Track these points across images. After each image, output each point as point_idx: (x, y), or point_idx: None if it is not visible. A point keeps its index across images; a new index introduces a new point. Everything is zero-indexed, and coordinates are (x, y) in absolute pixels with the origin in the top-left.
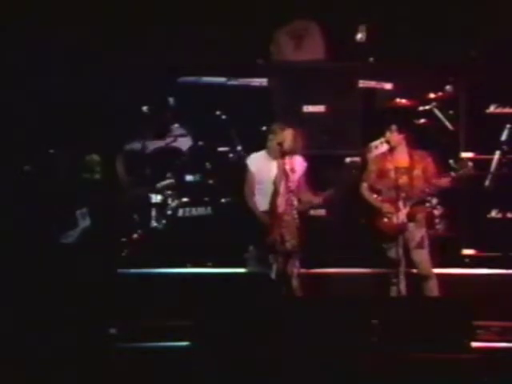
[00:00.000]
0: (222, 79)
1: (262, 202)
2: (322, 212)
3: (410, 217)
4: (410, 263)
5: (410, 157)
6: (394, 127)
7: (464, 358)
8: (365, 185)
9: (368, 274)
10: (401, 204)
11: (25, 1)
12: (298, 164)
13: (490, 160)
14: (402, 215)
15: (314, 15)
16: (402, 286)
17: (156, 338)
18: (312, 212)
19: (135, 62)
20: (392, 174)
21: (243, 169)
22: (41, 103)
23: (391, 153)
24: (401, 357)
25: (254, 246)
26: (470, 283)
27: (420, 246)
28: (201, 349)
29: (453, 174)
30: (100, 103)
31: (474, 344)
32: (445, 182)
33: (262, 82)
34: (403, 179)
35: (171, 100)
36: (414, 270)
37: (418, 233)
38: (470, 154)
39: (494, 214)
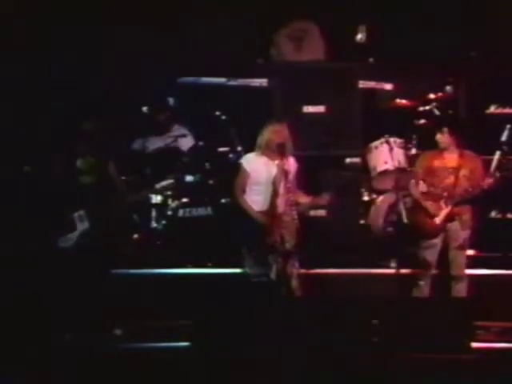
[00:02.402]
0: (221, 79)
1: (260, 203)
2: (321, 212)
3: (452, 216)
4: (440, 265)
5: (460, 157)
6: (445, 129)
7: (464, 358)
8: (413, 181)
9: (368, 275)
10: (443, 203)
11: None
12: (291, 165)
13: (490, 161)
14: (443, 215)
15: (314, 16)
16: (427, 289)
17: (156, 339)
18: (312, 212)
19: (135, 61)
20: (439, 173)
21: None
22: (39, 103)
23: (441, 152)
24: (401, 357)
25: (253, 246)
26: (470, 284)
27: (462, 247)
28: (201, 349)
29: (497, 175)
30: (99, 104)
31: (474, 344)
32: (488, 182)
33: (262, 82)
34: (450, 179)
35: (171, 100)
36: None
37: (462, 234)
38: None
39: (493, 214)
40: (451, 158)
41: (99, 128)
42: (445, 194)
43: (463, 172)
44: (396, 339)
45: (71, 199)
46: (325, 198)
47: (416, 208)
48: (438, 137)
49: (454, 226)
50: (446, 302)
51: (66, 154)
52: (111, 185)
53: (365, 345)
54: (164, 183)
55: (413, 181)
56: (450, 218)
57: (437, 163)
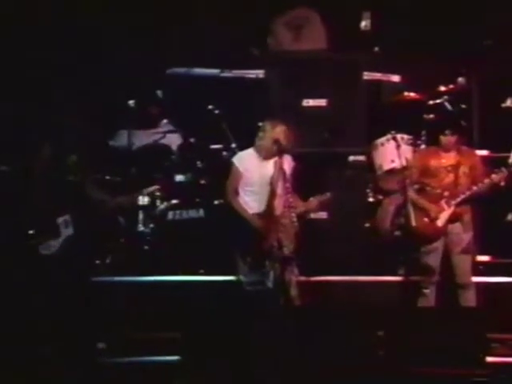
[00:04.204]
0: (214, 71)
1: (252, 205)
2: (323, 215)
3: (454, 218)
4: (444, 271)
5: (458, 154)
6: (448, 132)
7: (478, 373)
8: (408, 182)
9: (373, 283)
10: (444, 204)
11: None
12: (287, 163)
13: (506, 158)
14: (445, 216)
15: (314, 2)
16: (432, 298)
17: (143, 352)
18: (312, 215)
19: (121, 51)
20: (437, 173)
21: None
22: (16, 99)
23: (437, 150)
24: (408, 372)
25: (248, 251)
26: (484, 292)
27: (466, 251)
28: (191, 364)
29: (504, 170)
30: (81, 97)
31: (489, 359)
32: (497, 178)
33: (258, 73)
34: (449, 178)
35: (159, 93)
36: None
37: (465, 236)
38: (484, 152)
39: (510, 217)
40: (449, 156)
41: (81, 123)
42: (446, 193)
43: (463, 169)
44: (403, 353)
45: (56, 201)
46: (323, 199)
47: (414, 210)
48: (442, 140)
49: (456, 228)
50: (457, 312)
51: (52, 152)
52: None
53: (370, 359)
54: (150, 189)
55: (408, 181)
56: (452, 219)
57: (434, 162)
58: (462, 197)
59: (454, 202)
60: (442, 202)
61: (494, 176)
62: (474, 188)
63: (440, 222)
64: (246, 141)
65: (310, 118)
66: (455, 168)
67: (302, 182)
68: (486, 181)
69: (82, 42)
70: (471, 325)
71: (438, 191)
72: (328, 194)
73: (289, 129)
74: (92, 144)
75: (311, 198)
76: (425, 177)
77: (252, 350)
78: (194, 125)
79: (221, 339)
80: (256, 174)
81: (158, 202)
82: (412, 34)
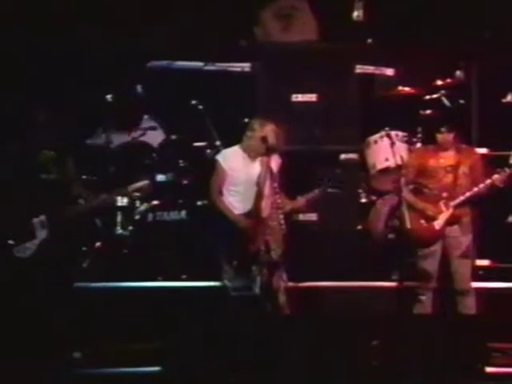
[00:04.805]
0: (198, 64)
1: (237, 206)
2: (312, 217)
3: (452, 220)
4: (441, 276)
5: (457, 153)
6: (443, 129)
7: None
8: (403, 181)
9: (367, 288)
10: (442, 205)
11: None
12: (274, 162)
13: (507, 157)
14: (443, 218)
15: None
16: (429, 304)
17: (122, 363)
18: (301, 217)
19: (98, 42)
20: (435, 173)
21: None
22: None
23: (435, 149)
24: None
25: (233, 255)
26: (483, 298)
27: (465, 255)
28: (173, 375)
29: (507, 170)
30: (54, 90)
31: (489, 369)
32: (499, 179)
33: (244, 66)
34: (448, 178)
35: (139, 87)
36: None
37: (464, 240)
38: (483, 150)
39: (511, 219)
40: (448, 156)
41: (58, 117)
42: (444, 194)
43: (462, 169)
44: (399, 363)
45: (29, 200)
46: (311, 197)
47: (409, 212)
48: (439, 138)
49: (454, 231)
50: (455, 320)
51: (22, 146)
52: (71, 185)
53: (364, 369)
54: (138, 184)
55: (403, 181)
56: (450, 221)
57: (432, 162)
58: (462, 198)
59: (452, 204)
60: (441, 204)
61: (496, 177)
62: (475, 189)
63: (438, 225)
64: (232, 138)
65: (299, 114)
66: (454, 168)
67: (290, 182)
68: (488, 182)
69: (57, 33)
70: (470, 333)
71: (436, 192)
72: (316, 192)
73: (278, 128)
74: (69, 142)
75: (299, 197)
76: (422, 177)
77: (236, 361)
78: (176, 121)
79: (205, 349)
80: (242, 174)
81: (137, 203)
82: (407, 25)
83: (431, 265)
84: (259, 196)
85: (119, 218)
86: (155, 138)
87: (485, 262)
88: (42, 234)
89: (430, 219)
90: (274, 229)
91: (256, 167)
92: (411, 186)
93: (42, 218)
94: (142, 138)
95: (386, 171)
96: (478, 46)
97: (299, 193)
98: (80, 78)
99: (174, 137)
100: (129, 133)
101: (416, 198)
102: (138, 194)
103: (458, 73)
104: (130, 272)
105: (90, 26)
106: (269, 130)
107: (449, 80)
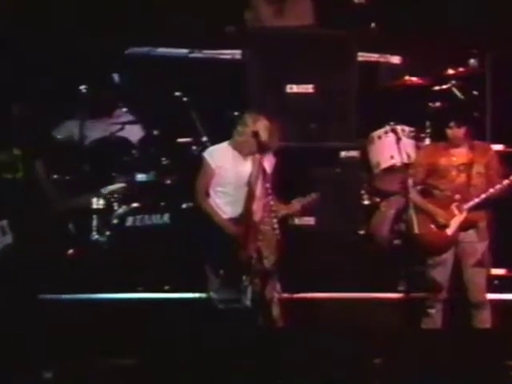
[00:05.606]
0: (182, 51)
1: (225, 209)
2: (309, 221)
3: (466, 225)
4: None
5: (470, 150)
6: (453, 124)
7: None
8: (411, 182)
9: (370, 300)
10: (454, 208)
11: None
12: (267, 161)
13: None
14: (456, 223)
15: None
16: (439, 318)
17: (96, 382)
18: (297, 221)
19: (71, 28)
20: (446, 173)
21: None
22: None
23: (447, 146)
24: None
25: (221, 264)
26: (499, 312)
27: (481, 263)
28: None
29: None
30: (22, 80)
31: None
32: None
33: (234, 54)
34: (461, 178)
35: (116, 77)
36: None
37: (480, 246)
38: (498, 147)
39: None
40: (460, 153)
41: (27, 112)
42: (457, 196)
43: (476, 168)
44: (404, 383)
45: None
46: (308, 201)
47: (417, 215)
48: (448, 133)
49: (469, 236)
50: (469, 335)
51: None
52: (39, 186)
53: None
54: (112, 187)
55: (411, 181)
56: (464, 226)
57: (443, 161)
58: (476, 200)
59: (466, 207)
60: (453, 207)
61: None
62: (491, 190)
63: (450, 230)
64: (220, 134)
65: (294, 107)
66: (468, 167)
67: (283, 183)
68: (506, 182)
69: (27, 18)
70: (485, 350)
71: (448, 194)
72: (314, 195)
73: (273, 124)
74: (35, 136)
75: (294, 201)
76: (432, 177)
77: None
78: (158, 115)
79: (187, 366)
80: (231, 173)
81: (115, 206)
82: (415, 9)
83: (442, 274)
84: (250, 197)
85: (95, 222)
86: (135, 133)
87: (501, 272)
88: (3, 241)
89: (441, 224)
90: (267, 234)
91: (247, 166)
92: (419, 187)
93: (3, 222)
94: (120, 133)
95: (391, 170)
96: (492, 34)
97: (293, 196)
98: (52, 67)
99: (155, 132)
100: (105, 127)
101: (425, 200)
102: (115, 196)
103: (471, 61)
104: (106, 282)
105: (64, 10)
106: (261, 126)
107: (461, 69)
